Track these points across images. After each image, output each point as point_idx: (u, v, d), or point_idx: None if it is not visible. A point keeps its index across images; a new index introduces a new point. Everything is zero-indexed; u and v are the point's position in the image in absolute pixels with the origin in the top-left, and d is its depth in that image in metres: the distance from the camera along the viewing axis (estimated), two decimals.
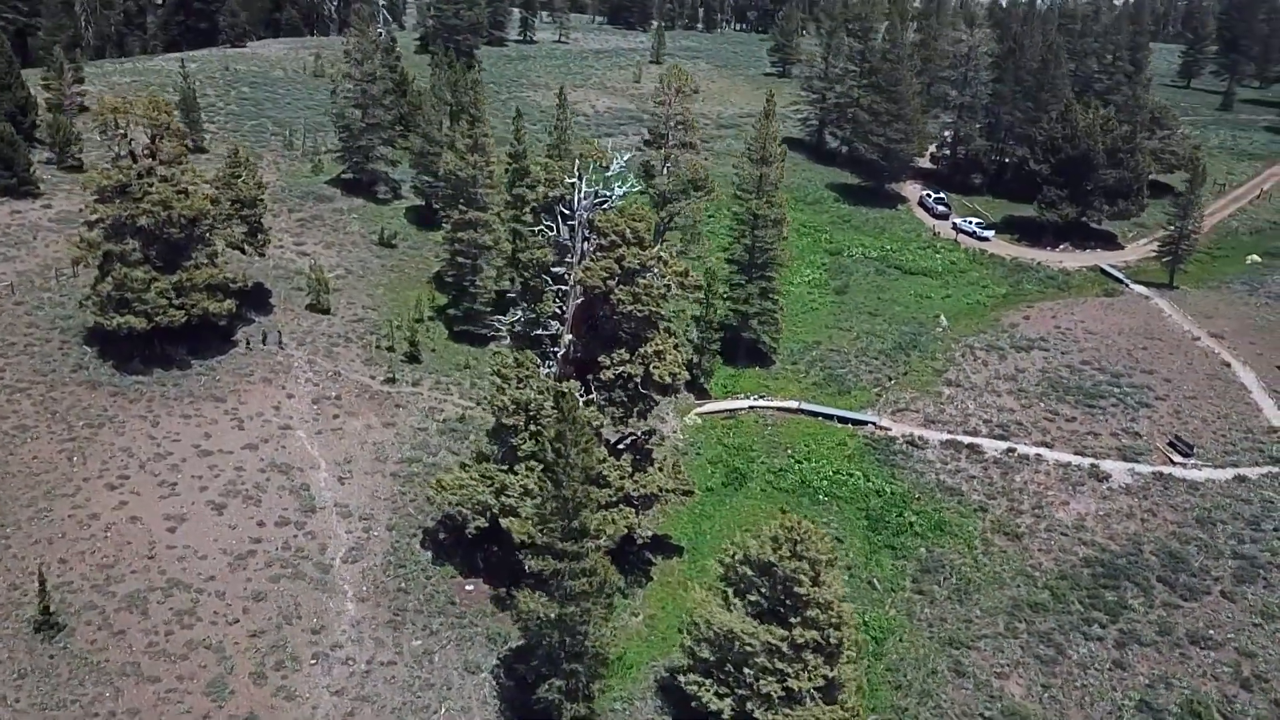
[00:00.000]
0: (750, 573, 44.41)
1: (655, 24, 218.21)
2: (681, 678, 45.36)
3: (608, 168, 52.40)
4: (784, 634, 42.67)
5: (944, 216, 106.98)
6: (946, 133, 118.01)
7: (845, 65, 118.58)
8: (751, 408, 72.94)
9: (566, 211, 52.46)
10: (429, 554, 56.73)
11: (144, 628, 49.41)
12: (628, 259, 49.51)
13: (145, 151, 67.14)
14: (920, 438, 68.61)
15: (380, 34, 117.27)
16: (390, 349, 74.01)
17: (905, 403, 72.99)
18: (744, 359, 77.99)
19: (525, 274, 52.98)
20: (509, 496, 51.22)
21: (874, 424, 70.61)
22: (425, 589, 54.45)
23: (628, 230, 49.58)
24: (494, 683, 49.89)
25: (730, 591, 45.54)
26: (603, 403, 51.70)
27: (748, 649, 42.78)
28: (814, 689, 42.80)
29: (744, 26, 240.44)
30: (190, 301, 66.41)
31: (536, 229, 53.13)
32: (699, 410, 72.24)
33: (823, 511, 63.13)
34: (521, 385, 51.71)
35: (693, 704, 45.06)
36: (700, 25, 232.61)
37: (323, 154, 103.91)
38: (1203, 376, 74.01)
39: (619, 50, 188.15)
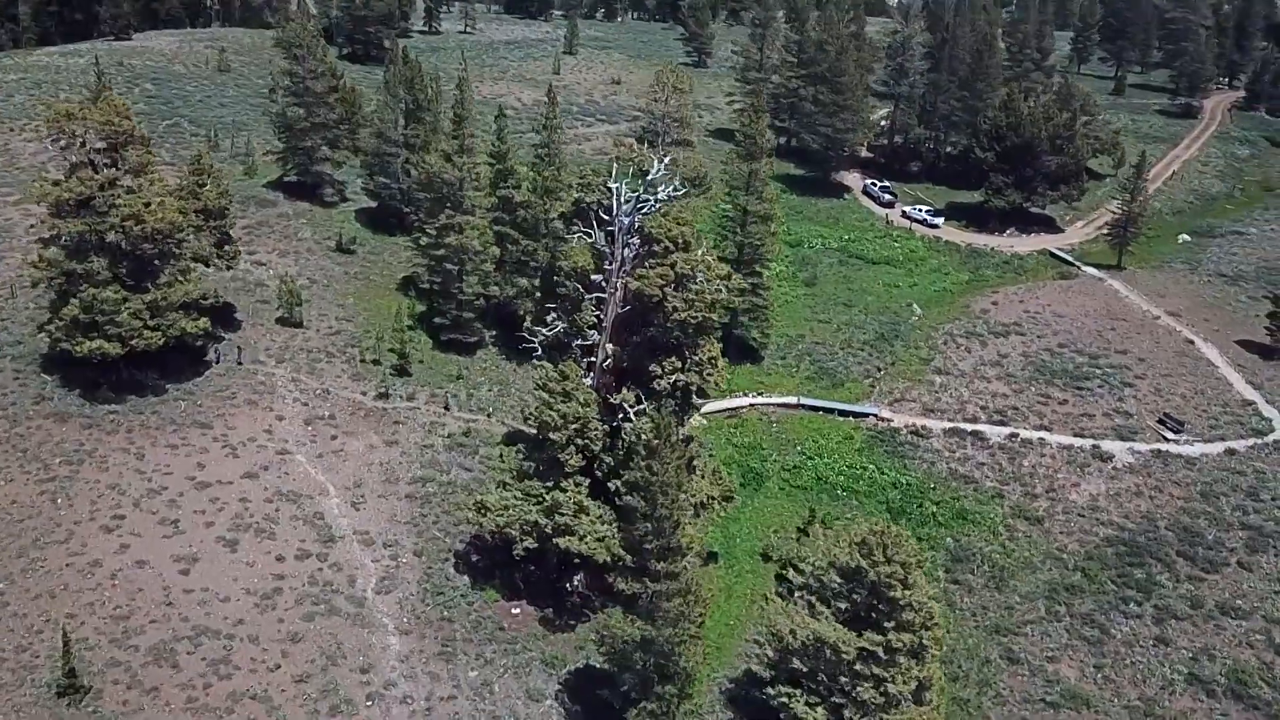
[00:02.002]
0: (838, 579, 43.94)
1: (557, 13, 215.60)
2: (769, 689, 44.48)
3: (647, 171, 50.77)
4: (879, 639, 42.37)
5: (890, 205, 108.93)
6: (883, 122, 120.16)
7: (782, 56, 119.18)
8: (752, 405, 72.57)
9: (606, 217, 50.63)
10: (465, 579, 54.22)
11: (178, 682, 45.56)
12: (680, 265, 48.21)
13: (106, 161, 61.68)
14: (923, 427, 69.60)
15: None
16: (376, 362, 70.48)
17: (900, 393, 73.95)
18: (734, 356, 77.30)
19: (567, 284, 50.90)
20: (562, 515, 49.29)
21: (875, 415, 71.25)
22: (470, 616, 52.01)
23: (679, 235, 48.28)
24: (560, 710, 48.04)
25: (814, 599, 44.98)
26: (645, 410, 50.22)
27: (844, 656, 42.31)
28: (908, 691, 42.72)
29: (643, 16, 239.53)
30: (166, 322, 61.64)
31: (574, 235, 51.07)
32: (701, 410, 71.26)
33: (842, 507, 63.42)
34: (566, 399, 49.84)
35: (781, 715, 44.25)
36: (600, 14, 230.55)
37: (261, 156, 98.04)
38: (1172, 354, 77.55)
39: (528, 41, 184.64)
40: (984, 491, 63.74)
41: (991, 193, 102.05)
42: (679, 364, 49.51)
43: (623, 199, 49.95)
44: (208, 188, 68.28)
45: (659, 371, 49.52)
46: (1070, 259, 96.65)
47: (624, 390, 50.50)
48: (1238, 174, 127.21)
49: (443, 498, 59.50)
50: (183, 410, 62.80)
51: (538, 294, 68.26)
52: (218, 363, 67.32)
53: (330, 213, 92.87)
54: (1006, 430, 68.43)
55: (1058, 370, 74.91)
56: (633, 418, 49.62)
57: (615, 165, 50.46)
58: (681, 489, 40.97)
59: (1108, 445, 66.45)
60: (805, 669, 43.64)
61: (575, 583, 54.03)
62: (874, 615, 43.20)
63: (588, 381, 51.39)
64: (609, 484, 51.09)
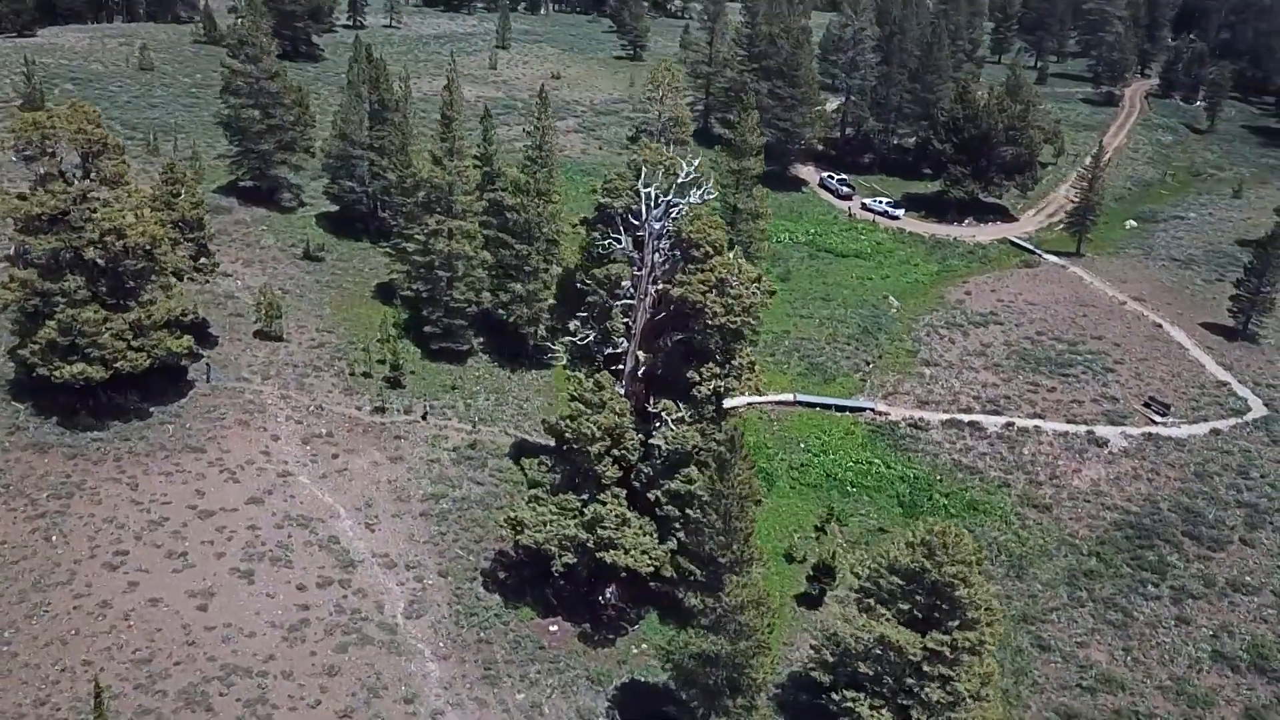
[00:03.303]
0: (900, 582, 43.91)
1: (480, 6, 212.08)
2: (833, 694, 44.23)
3: (677, 175, 49.79)
4: (944, 638, 42.52)
5: (848, 197, 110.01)
6: (834, 114, 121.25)
7: (732, 49, 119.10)
8: (750, 404, 72.13)
9: (635, 222, 49.51)
10: (497, 598, 52.61)
11: None
12: (718, 269, 47.53)
13: (78, 172, 57.72)
14: (921, 419, 70.37)
15: (237, 22, 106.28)
16: (366, 374, 67.91)
17: (892, 386, 74.64)
18: None
19: (600, 291, 49.62)
20: (605, 528, 48.16)
21: (872, 410, 71.78)
22: (507, 636, 50.48)
23: (718, 240, 47.61)
24: None
25: (872, 601, 44.89)
26: (692, 419, 49.46)
27: (910, 657, 42.34)
28: (974, 689, 43.01)
29: (565, 8, 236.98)
30: (151, 341, 58.18)
31: (605, 242, 49.80)
32: None
33: (854, 503, 63.63)
34: (602, 409, 48.69)
35: (843, 719, 44.11)
36: (523, 7, 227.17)
37: (212, 159, 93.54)
38: (1144, 339, 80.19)
39: (455, 34, 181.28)
40: (990, 481, 64.76)
41: (950, 183, 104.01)
42: (717, 370, 48.77)
43: (652, 204, 48.88)
44: (182, 197, 64.63)
45: (697, 378, 48.71)
46: (1031, 247, 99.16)
47: (662, 399, 49.58)
48: (1166, 160, 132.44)
49: (459, 514, 57.66)
50: (171, 434, 59.46)
51: (550, 301, 66.84)
52: (208, 380, 64.02)
53: (290, 218, 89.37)
54: (1002, 419, 69.70)
55: (1041, 358, 76.71)
56: (673, 426, 48.70)
57: (643, 169, 49.31)
58: (755, 500, 40.36)
59: (1101, 430, 68.25)
60: (871, 672, 43.53)
61: (608, 595, 52.97)
62: (936, 615, 43.34)
63: (620, 390, 50.23)
64: (648, 494, 50.15)
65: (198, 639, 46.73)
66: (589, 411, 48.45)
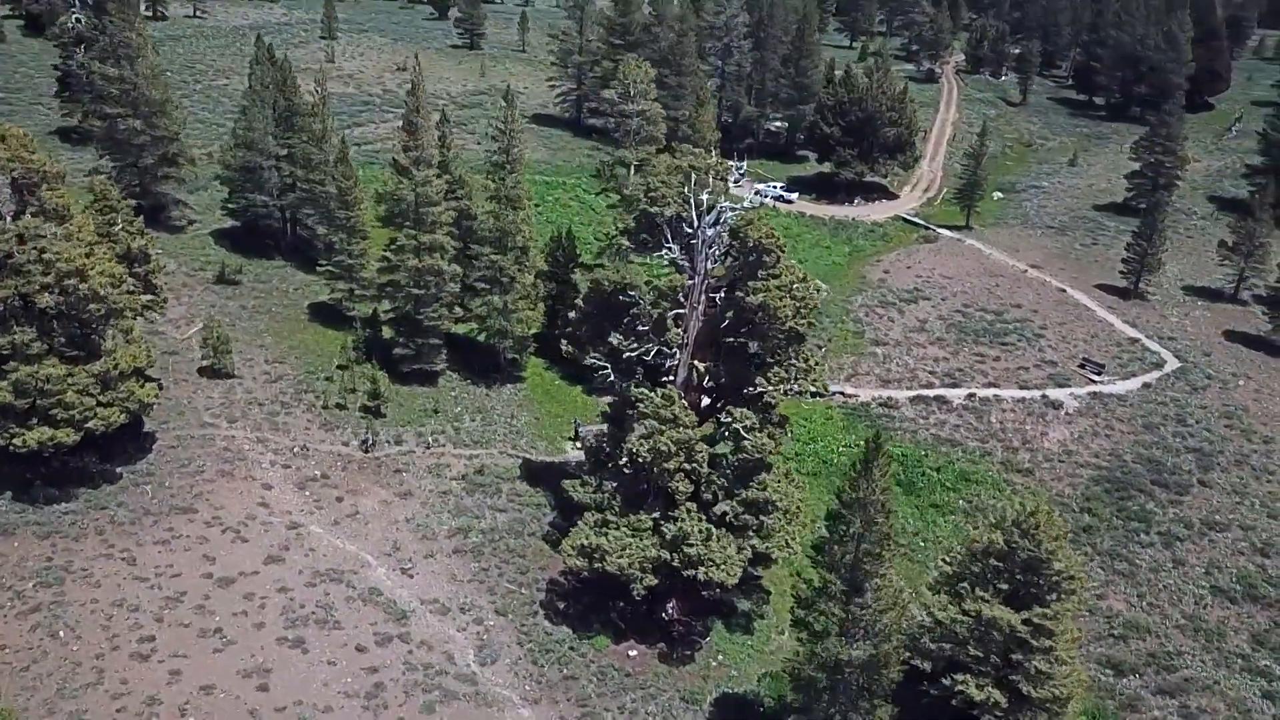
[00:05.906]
0: (996, 563, 45.60)
1: None
2: (943, 681, 45.51)
3: (726, 180, 48.90)
4: (1045, 611, 44.66)
5: (737, 184, 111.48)
6: (713, 96, 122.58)
7: (604, 37, 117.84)
8: None
9: (689, 230, 48.29)
10: (565, 629, 50.33)
11: None
12: (784, 274, 47.30)
13: (15, 207, 49.70)
14: (889, 399, 73.07)
15: (76, 20, 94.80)
16: (341, 406, 62.83)
17: (850, 368, 76.98)
18: None
19: (665, 301, 48.08)
20: (690, 545, 47.11)
21: (840, 393, 73.75)
22: (590, 669, 48.44)
23: (781, 242, 47.29)
24: None
25: (966, 585, 46.39)
26: (761, 424, 49.08)
27: (1018, 634, 44.21)
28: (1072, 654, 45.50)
29: None
30: (121, 395, 51.23)
31: (661, 254, 48.22)
32: None
33: None
34: (674, 425, 47.50)
35: (954, 701, 45.53)
36: None
37: (86, 176, 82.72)
38: (1055, 304, 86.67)
39: (269, 25, 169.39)
40: (971, 452, 68.16)
41: (839, 164, 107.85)
42: (784, 374, 48.57)
43: (704, 210, 47.87)
44: (120, 227, 56.93)
45: (766, 384, 48.29)
46: (924, 223, 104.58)
47: (737, 408, 48.79)
48: (999, 133, 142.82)
49: (493, 546, 54.62)
50: (151, 497, 52.82)
51: (528, 311, 64.28)
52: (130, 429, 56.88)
53: (184, 239, 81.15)
54: (963, 391, 73.51)
55: (978, 330, 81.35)
56: (745, 435, 48.11)
57: (693, 176, 48.10)
58: (890, 507, 40.62)
59: (1053, 394, 73.34)
60: (981, 653, 45.06)
61: (669, 610, 51.94)
62: (1033, 590, 45.41)
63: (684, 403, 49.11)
64: (720, 506, 49.35)
65: None
66: (663, 428, 47.09)
